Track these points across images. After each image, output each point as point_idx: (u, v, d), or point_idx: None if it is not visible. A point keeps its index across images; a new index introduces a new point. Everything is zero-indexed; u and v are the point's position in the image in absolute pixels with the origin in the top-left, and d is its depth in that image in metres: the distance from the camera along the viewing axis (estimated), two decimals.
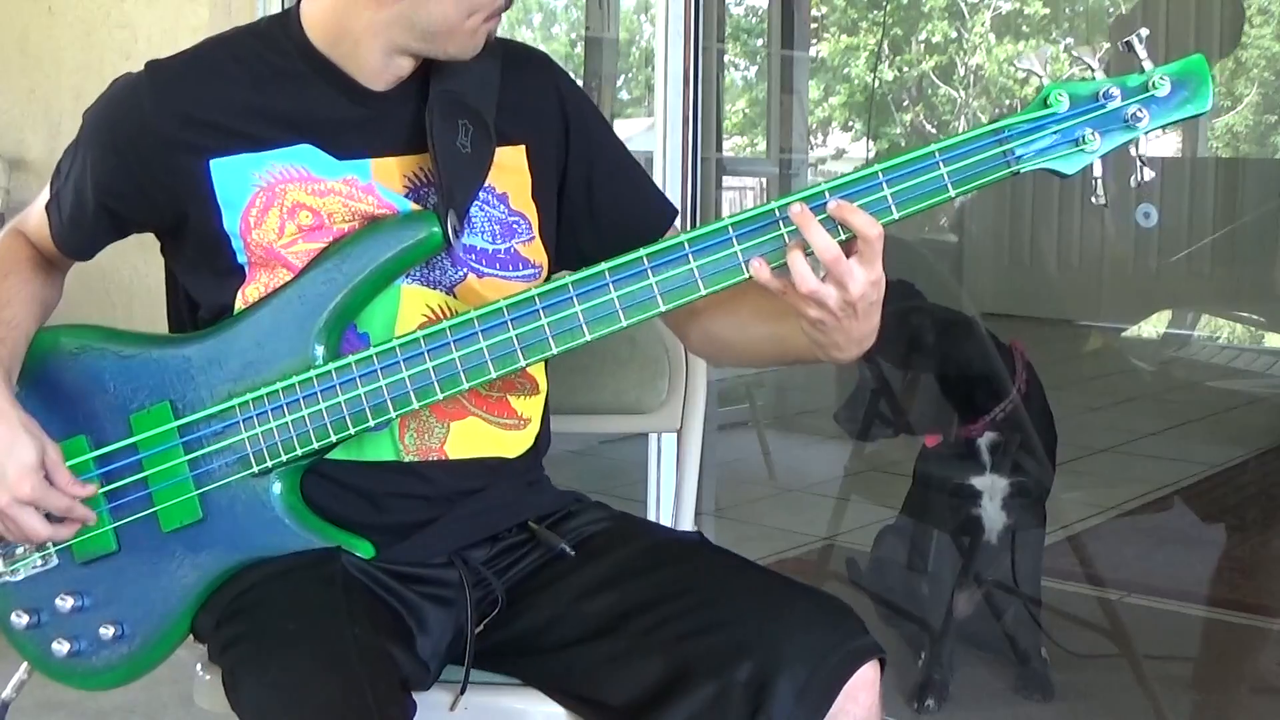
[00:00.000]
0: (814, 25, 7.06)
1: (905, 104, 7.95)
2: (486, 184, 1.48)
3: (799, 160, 5.67)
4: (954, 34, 8.11)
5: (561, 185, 1.55)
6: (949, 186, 1.28)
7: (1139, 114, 1.27)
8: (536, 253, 1.52)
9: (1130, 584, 3.25)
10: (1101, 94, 1.27)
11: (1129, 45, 1.27)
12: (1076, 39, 7.63)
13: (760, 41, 6.66)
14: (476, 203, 1.48)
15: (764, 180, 5.82)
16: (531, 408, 1.56)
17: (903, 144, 7.74)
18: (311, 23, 1.45)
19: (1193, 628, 3.14)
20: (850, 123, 8.50)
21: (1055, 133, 1.28)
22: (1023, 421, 2.66)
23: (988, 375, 2.64)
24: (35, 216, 1.58)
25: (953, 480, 2.71)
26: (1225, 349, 5.73)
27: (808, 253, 1.27)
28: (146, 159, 1.45)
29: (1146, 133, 1.28)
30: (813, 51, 6.99)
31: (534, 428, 1.57)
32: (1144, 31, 1.27)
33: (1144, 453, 4.65)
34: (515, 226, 1.50)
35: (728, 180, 5.96)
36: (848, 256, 1.26)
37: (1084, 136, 1.28)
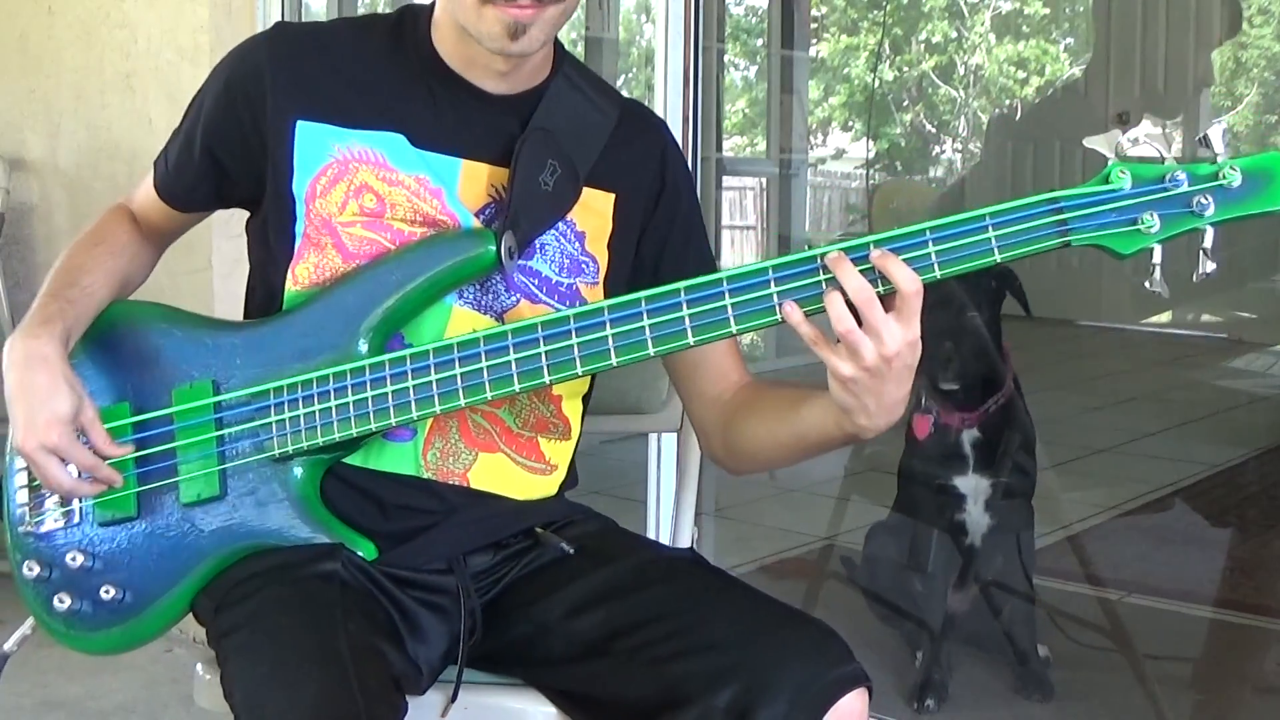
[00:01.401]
0: (814, 25, 7.05)
1: (905, 104, 7.94)
2: (569, 219, 1.50)
3: (799, 160, 5.67)
4: (954, 34, 8.11)
5: (637, 243, 1.56)
6: (995, 250, 1.25)
7: (1204, 201, 1.23)
8: (596, 297, 1.52)
9: (1130, 584, 3.25)
10: (1167, 177, 1.24)
11: (1205, 140, 1.23)
12: (1077, 39, 7.63)
13: (760, 41, 6.66)
14: (554, 233, 1.50)
15: (764, 180, 5.81)
16: (560, 453, 1.56)
17: (902, 144, 7.73)
18: (436, 16, 1.50)
19: (1193, 628, 3.13)
20: (850, 123, 8.50)
21: (1113, 210, 1.25)
22: (1011, 419, 2.67)
23: (990, 359, 2.64)
24: (144, 183, 1.64)
25: (937, 480, 2.71)
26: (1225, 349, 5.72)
27: (847, 301, 1.26)
28: (254, 107, 1.49)
29: (1213, 224, 1.23)
30: (813, 51, 6.99)
31: (560, 474, 1.57)
32: (1222, 123, 1.24)
33: (1144, 453, 4.64)
34: (584, 267, 1.52)
35: (728, 180, 5.96)
36: (886, 312, 1.25)
37: (1143, 218, 1.24)
